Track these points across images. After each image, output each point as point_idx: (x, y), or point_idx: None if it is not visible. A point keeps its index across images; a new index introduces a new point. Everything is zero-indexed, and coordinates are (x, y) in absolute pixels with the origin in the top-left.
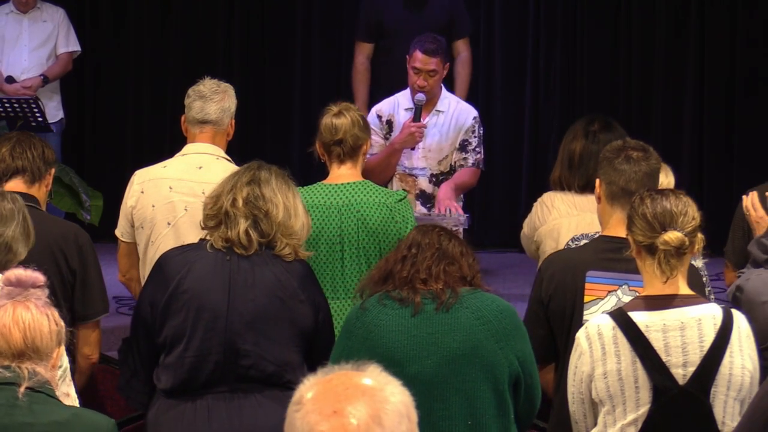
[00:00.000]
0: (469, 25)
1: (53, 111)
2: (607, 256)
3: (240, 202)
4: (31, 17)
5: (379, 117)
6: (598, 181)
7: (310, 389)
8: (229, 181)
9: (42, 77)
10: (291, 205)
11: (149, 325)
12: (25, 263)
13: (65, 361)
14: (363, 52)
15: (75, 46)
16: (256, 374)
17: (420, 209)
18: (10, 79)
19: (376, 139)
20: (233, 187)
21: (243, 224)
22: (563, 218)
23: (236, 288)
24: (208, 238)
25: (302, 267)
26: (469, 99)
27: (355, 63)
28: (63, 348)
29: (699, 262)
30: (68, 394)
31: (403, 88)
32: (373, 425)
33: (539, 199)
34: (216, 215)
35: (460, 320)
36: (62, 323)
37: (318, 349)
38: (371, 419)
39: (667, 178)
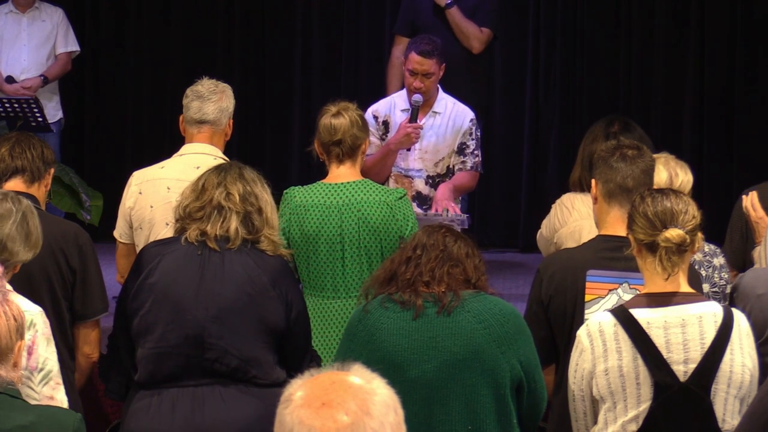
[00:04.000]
0: (490, 17)
1: (52, 111)
2: (607, 254)
3: (236, 197)
4: (30, 17)
5: (376, 117)
6: (593, 181)
7: (298, 388)
8: (213, 176)
9: (42, 77)
10: (273, 206)
11: (125, 315)
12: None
13: (50, 365)
14: (400, 46)
15: (74, 46)
16: (221, 368)
17: (416, 210)
18: (9, 79)
19: (372, 140)
20: (222, 182)
21: (235, 220)
22: (584, 219)
23: (204, 282)
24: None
25: (277, 263)
26: (469, 99)
27: (391, 56)
28: (48, 350)
29: (721, 259)
30: (52, 398)
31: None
32: (362, 415)
33: (558, 201)
34: (202, 208)
35: (461, 324)
36: (22, 316)
37: (291, 346)
38: (360, 409)
39: (686, 176)
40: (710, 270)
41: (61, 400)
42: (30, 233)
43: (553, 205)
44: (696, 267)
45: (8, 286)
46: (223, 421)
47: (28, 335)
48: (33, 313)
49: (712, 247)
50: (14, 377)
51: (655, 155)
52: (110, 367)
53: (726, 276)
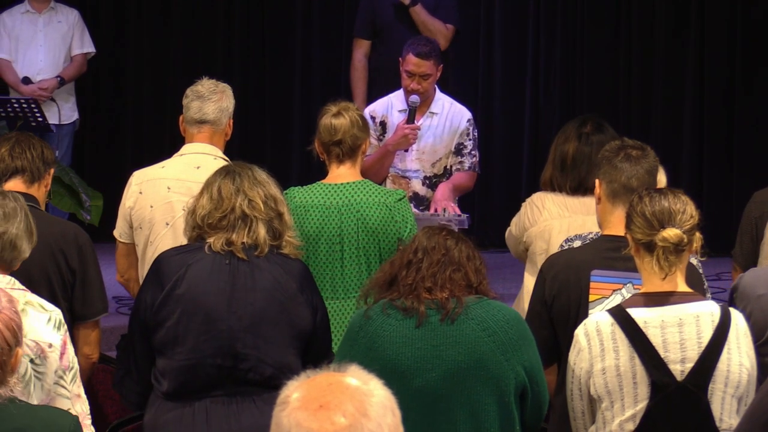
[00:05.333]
0: (453, 13)
1: (69, 112)
2: (611, 255)
3: (260, 204)
4: (46, 17)
5: (373, 118)
6: (597, 181)
7: (294, 390)
8: (228, 182)
9: (58, 78)
10: (288, 206)
11: (145, 326)
12: (25, 262)
13: (75, 363)
14: (361, 49)
15: (90, 48)
16: (255, 377)
17: (413, 211)
18: (26, 80)
19: (370, 141)
20: (240, 188)
21: (262, 228)
22: (554, 219)
23: (236, 291)
24: (208, 240)
25: (301, 268)
26: (469, 99)
27: (353, 60)
28: (72, 348)
29: (693, 261)
30: (79, 395)
31: (397, 86)
32: (359, 417)
33: (528, 200)
34: (224, 217)
35: (465, 332)
36: (18, 322)
37: (314, 350)
38: (357, 411)
39: (658, 176)
40: None
41: (84, 397)
42: (32, 230)
43: (524, 204)
44: None
45: (18, 284)
46: (260, 429)
47: (59, 335)
48: (57, 312)
49: None
50: (11, 385)
51: None
52: (125, 377)
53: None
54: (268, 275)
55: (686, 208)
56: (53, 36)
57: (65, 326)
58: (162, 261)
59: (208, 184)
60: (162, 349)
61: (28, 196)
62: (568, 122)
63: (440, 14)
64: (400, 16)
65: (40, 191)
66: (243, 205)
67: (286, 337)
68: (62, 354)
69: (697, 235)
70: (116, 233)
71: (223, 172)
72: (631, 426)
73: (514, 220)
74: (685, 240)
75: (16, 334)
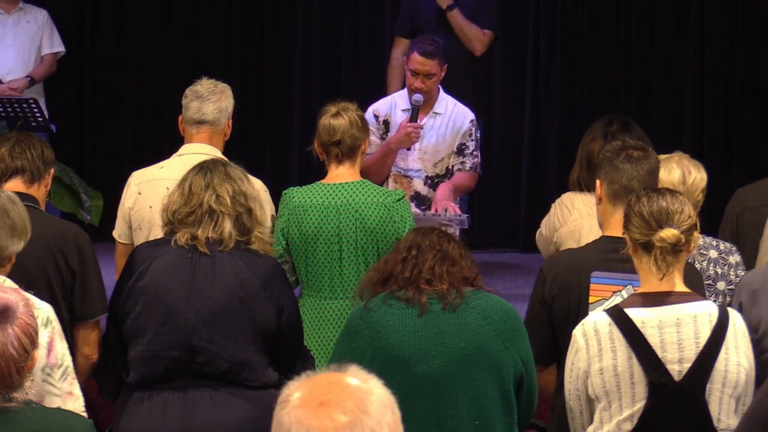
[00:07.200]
0: (492, 19)
1: None
2: (611, 256)
3: (227, 199)
4: (15, 17)
5: (376, 117)
6: (598, 182)
7: (295, 389)
8: (199, 178)
9: (28, 78)
10: (260, 202)
11: (116, 316)
12: (24, 262)
13: (67, 360)
14: (399, 47)
15: (59, 47)
16: (212, 371)
17: (414, 210)
18: None
19: (373, 139)
20: (210, 184)
21: (228, 223)
22: (584, 219)
23: (195, 285)
24: (177, 234)
25: (269, 264)
26: (471, 101)
27: (391, 57)
28: (62, 345)
29: (736, 257)
30: (71, 393)
31: None
32: (359, 414)
33: (558, 200)
34: (192, 212)
35: (467, 320)
36: (35, 326)
37: (283, 348)
38: (357, 408)
39: (699, 174)
40: (726, 268)
41: (78, 395)
42: (15, 225)
43: (553, 205)
44: (711, 265)
45: (9, 282)
46: (214, 423)
47: (46, 332)
48: (46, 310)
49: (728, 245)
50: (27, 388)
51: (668, 155)
52: (103, 368)
53: (742, 273)
54: (230, 270)
55: (684, 209)
56: (22, 36)
57: (54, 324)
58: (134, 253)
59: (182, 181)
60: (129, 340)
61: (27, 196)
62: (594, 122)
63: (479, 19)
64: (440, 19)
65: (40, 191)
66: (210, 201)
67: (246, 334)
68: (49, 351)
69: (695, 234)
70: (115, 234)
71: (196, 168)
72: (629, 426)
73: (544, 222)
74: (683, 240)
75: (33, 339)
